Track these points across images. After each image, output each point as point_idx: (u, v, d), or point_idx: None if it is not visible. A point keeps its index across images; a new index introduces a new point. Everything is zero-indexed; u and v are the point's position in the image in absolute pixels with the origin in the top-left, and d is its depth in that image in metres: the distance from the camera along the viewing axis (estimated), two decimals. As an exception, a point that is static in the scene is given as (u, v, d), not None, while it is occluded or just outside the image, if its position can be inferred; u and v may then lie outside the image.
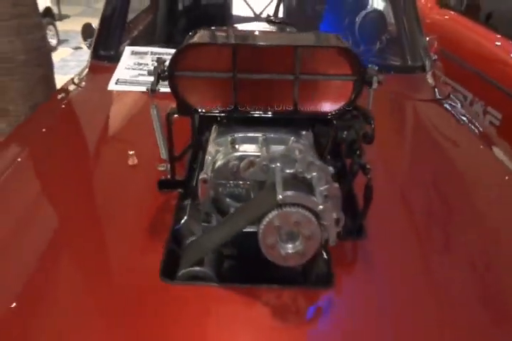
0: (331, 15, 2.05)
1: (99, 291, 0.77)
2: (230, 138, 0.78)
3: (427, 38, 1.77)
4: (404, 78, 1.61)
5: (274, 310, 0.71)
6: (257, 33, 0.99)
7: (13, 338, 0.68)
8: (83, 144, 1.24)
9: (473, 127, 1.45)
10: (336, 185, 0.71)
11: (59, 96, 1.58)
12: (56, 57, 4.44)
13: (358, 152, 0.83)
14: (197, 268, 0.78)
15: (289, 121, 0.83)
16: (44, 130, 1.30)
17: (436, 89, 1.63)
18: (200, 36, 0.83)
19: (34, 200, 1.02)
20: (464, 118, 1.47)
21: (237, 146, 0.76)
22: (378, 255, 0.86)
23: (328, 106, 0.82)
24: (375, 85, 0.79)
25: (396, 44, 1.75)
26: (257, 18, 1.89)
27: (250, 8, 1.97)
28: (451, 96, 1.57)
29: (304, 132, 0.84)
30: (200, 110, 0.82)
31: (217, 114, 0.82)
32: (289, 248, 0.68)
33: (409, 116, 1.52)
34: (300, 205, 0.66)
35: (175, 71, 0.78)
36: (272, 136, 0.78)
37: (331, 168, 0.72)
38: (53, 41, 6.91)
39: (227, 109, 0.81)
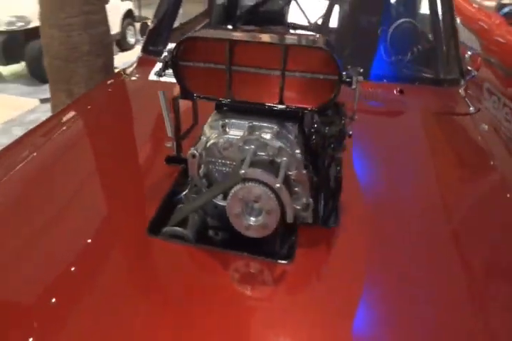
0: (371, 26, 2.07)
1: (98, 238, 0.92)
2: (221, 123, 0.87)
3: (470, 54, 1.80)
4: (435, 90, 1.62)
5: (235, 274, 0.83)
6: (257, 32, 1.04)
7: None
8: (119, 120, 1.47)
9: (489, 142, 1.44)
10: (304, 171, 0.81)
11: (108, 82, 1.85)
12: (133, 54, 4.89)
13: (332, 145, 0.89)
14: (177, 228, 0.89)
15: (277, 114, 0.89)
16: (89, 107, 1.58)
17: (467, 103, 1.61)
18: (204, 32, 0.98)
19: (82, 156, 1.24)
20: (478, 135, 1.46)
21: (227, 130, 0.87)
22: (343, 241, 0.92)
23: (310, 102, 0.87)
24: (354, 85, 0.84)
25: (431, 57, 1.75)
26: (310, 27, 2.02)
27: (305, 16, 2.07)
28: (480, 111, 1.56)
29: (289, 124, 0.90)
30: (197, 95, 0.91)
31: (212, 100, 0.91)
32: (252, 220, 0.79)
33: (425, 127, 1.51)
34: (261, 182, 0.76)
35: (179, 61, 0.87)
36: (258, 124, 0.86)
37: (298, 155, 0.82)
38: (132, 40, 7.52)
39: (221, 97, 0.89)
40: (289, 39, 0.93)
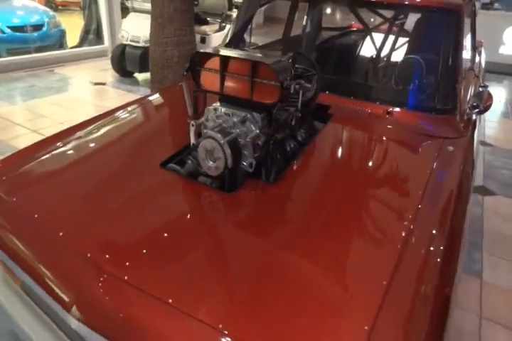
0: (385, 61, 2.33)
1: (135, 168, 1.40)
2: (213, 109, 1.38)
3: (481, 89, 1.90)
4: (431, 117, 1.76)
5: (194, 194, 1.29)
6: (246, 51, 1.46)
7: None
8: (178, 107, 1.84)
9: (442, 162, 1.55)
10: (249, 140, 1.26)
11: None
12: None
13: (291, 122, 1.39)
14: (175, 165, 1.39)
15: (249, 106, 1.32)
16: (159, 97, 2.22)
17: (451, 129, 1.72)
18: (211, 49, 1.39)
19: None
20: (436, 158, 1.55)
21: (217, 113, 1.37)
22: (273, 190, 1.30)
23: (267, 99, 1.30)
24: (292, 90, 1.32)
25: (436, 89, 1.87)
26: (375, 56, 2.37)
27: (375, 46, 2.39)
28: (463, 137, 1.70)
29: (257, 113, 1.33)
30: (204, 89, 1.40)
31: (212, 93, 1.39)
32: (211, 163, 1.26)
33: (395, 140, 1.71)
34: (214, 139, 1.21)
35: (195, 66, 1.38)
36: (236, 111, 1.34)
37: (254, 132, 1.29)
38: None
39: (217, 91, 1.36)
40: (257, 57, 1.32)
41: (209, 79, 1.39)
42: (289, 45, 2.78)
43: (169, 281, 0.96)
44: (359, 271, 1.00)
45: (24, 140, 3.29)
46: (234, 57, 1.32)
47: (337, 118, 1.74)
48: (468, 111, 1.87)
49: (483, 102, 1.87)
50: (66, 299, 1.00)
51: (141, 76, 5.31)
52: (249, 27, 2.99)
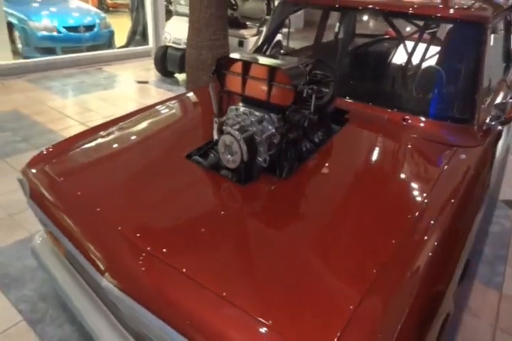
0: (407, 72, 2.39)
1: (165, 158, 1.60)
2: (234, 108, 1.53)
3: (503, 101, 1.93)
4: (447, 126, 1.81)
5: (213, 183, 1.48)
6: (267, 57, 1.59)
7: None
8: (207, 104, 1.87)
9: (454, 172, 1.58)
10: (264, 138, 1.41)
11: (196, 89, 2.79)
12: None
13: (304, 124, 1.52)
14: (198, 158, 1.55)
15: (266, 107, 1.46)
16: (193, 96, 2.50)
17: (473, 139, 1.76)
18: (234, 54, 1.56)
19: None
20: (444, 164, 1.60)
21: (237, 112, 1.52)
22: (284, 185, 1.42)
23: (283, 101, 1.43)
24: (304, 94, 1.44)
25: (453, 99, 1.92)
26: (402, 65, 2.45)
27: (408, 52, 2.43)
28: (479, 146, 1.74)
29: (274, 114, 1.46)
30: (228, 90, 1.57)
31: (235, 94, 1.55)
32: (228, 157, 1.42)
33: (410, 147, 1.76)
34: (232, 135, 1.37)
35: (220, 69, 1.55)
36: (254, 111, 1.48)
37: (270, 131, 1.43)
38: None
39: (240, 92, 1.52)
40: (275, 63, 1.46)
41: (232, 82, 1.56)
42: (318, 51, 2.98)
43: (188, 253, 1.13)
44: (354, 258, 1.11)
45: (73, 131, 3.55)
46: (254, 63, 1.48)
47: (354, 123, 1.85)
48: (489, 121, 1.89)
49: (507, 113, 1.87)
50: (100, 264, 1.18)
51: (181, 76, 5.63)
52: (288, 31, 3.23)
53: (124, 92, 5.03)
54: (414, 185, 1.49)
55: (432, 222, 1.27)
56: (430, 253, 1.16)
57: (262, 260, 1.11)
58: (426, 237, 1.22)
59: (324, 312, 0.95)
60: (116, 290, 1.11)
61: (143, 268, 1.11)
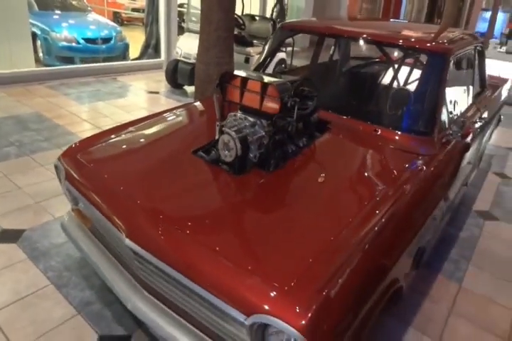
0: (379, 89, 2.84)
1: (173, 153, 1.94)
2: (233, 114, 1.88)
3: (462, 120, 2.29)
4: (411, 137, 2.12)
5: (213, 173, 1.80)
6: (261, 74, 1.98)
7: None
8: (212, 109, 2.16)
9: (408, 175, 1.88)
10: (255, 138, 1.76)
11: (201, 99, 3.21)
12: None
13: (289, 129, 1.97)
14: (202, 153, 1.88)
15: (259, 114, 1.80)
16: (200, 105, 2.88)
17: (431, 149, 2.07)
18: (238, 72, 2.10)
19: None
20: (401, 168, 1.92)
21: (235, 118, 1.86)
22: (271, 177, 1.74)
23: (272, 110, 1.78)
24: (289, 104, 1.80)
25: (417, 115, 2.24)
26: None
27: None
28: (437, 155, 2.05)
29: (264, 120, 1.81)
30: (229, 100, 1.92)
31: (234, 103, 1.88)
32: (226, 152, 1.76)
33: (378, 153, 2.11)
34: (229, 134, 1.72)
35: (222, 82, 1.91)
36: (249, 117, 1.82)
37: (260, 133, 1.79)
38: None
39: (238, 102, 1.86)
40: (266, 79, 1.81)
41: (232, 93, 1.90)
42: (311, 70, 3.42)
43: (189, 219, 1.50)
44: (313, 232, 1.43)
45: (90, 133, 3.87)
46: (251, 79, 1.85)
47: (334, 131, 2.17)
48: (448, 134, 2.21)
49: (464, 129, 2.24)
50: (122, 227, 1.52)
51: (189, 88, 6.03)
52: (292, 50, 3.64)
53: (136, 101, 5.44)
54: (376, 181, 1.82)
55: (385, 209, 1.57)
56: (376, 231, 1.45)
57: (248, 226, 1.50)
58: (376, 220, 1.51)
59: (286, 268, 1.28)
60: (136, 246, 1.47)
61: (156, 229, 1.46)
